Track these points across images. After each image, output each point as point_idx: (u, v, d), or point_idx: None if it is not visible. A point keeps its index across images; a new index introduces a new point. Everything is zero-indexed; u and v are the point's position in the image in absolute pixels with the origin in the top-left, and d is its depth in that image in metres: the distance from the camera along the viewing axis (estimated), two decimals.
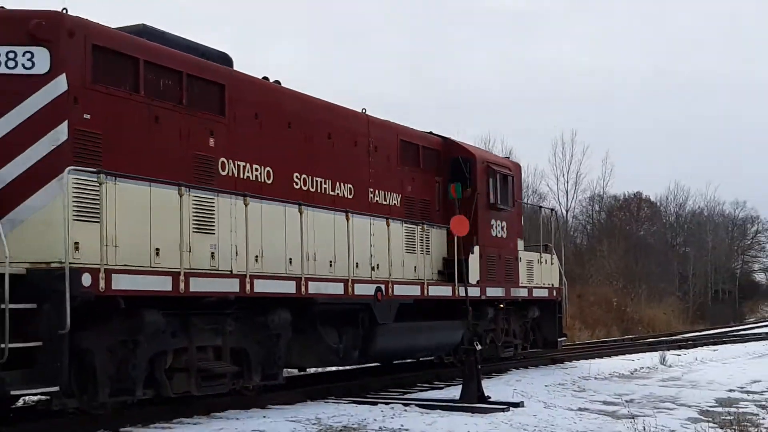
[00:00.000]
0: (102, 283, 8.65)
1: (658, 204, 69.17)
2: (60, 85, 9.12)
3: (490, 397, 12.38)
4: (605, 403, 13.14)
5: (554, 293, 19.14)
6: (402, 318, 13.45)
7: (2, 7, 9.46)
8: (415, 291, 14.12)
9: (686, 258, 66.20)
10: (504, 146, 63.64)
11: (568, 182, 61.33)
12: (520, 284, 17.90)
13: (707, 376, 17.54)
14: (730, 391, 15.11)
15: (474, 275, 15.95)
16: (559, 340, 19.22)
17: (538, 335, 18.87)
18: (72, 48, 9.25)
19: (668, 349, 22.66)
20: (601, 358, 20.88)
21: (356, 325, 13.01)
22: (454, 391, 12.88)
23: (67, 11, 9.32)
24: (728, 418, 10.05)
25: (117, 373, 9.27)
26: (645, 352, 22.87)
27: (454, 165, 16.36)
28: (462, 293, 14.59)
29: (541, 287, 18.77)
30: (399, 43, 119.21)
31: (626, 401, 13.12)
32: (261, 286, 10.77)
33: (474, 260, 16.09)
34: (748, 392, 15.00)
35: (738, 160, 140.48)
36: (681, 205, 70.89)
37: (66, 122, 9.07)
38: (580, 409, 12.33)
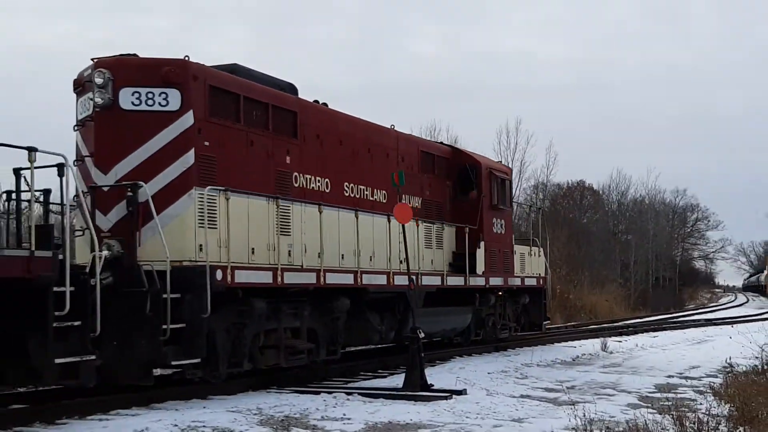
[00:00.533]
0: (229, 278, 11.21)
1: (601, 192, 70.04)
2: (188, 119, 11.69)
3: (433, 385, 12.38)
4: (547, 390, 13.23)
5: (541, 282, 21.91)
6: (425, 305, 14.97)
7: (136, 56, 11.70)
8: (437, 281, 16.67)
9: (628, 245, 67.18)
10: (449, 134, 63.76)
11: (512, 170, 61.67)
12: (515, 274, 20.44)
13: (647, 363, 17.79)
14: (670, 377, 15.32)
15: (480, 267, 18.42)
16: (544, 323, 22.16)
17: (526, 319, 21.38)
18: (196, 89, 11.86)
19: (610, 336, 22.93)
20: (544, 345, 21.04)
21: (394, 311, 15.49)
22: (398, 380, 12.86)
23: (189, 59, 11.76)
24: (667, 404, 10.15)
25: (232, 349, 11.70)
26: (587, 338, 23.11)
27: (462, 171, 18.91)
28: (472, 283, 17.75)
29: (531, 277, 21.45)
30: (343, 31, 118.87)
31: (568, 388, 13.21)
32: (331, 278, 13.36)
33: (480, 254, 18.48)
34: (686, 378, 15.23)
35: (678, 149, 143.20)
36: (623, 193, 71.86)
37: (193, 149, 11.68)
38: (522, 396, 12.40)
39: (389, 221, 14.97)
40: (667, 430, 8.60)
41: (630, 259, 65.47)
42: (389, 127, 16.74)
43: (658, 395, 12.50)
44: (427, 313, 15.50)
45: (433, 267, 17.06)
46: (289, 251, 12.95)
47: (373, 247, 15.04)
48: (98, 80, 11.35)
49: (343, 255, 14.22)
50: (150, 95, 11.59)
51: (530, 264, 21.87)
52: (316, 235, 13.34)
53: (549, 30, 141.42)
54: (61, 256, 9.14)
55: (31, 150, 8.93)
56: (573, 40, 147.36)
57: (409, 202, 16.42)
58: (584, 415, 8.70)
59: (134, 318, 10.24)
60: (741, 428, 8.72)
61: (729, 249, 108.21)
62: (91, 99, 11.51)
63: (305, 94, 14.53)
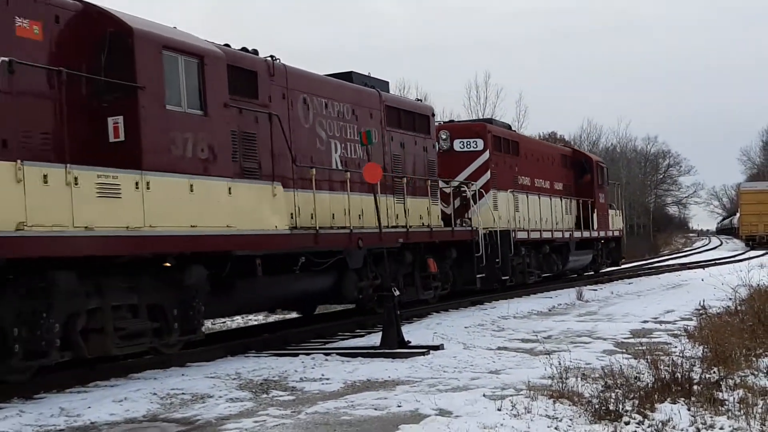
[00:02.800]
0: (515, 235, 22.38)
1: (573, 142, 70.24)
2: (487, 155, 22.07)
3: (410, 342, 12.44)
4: (523, 341, 13.33)
5: (619, 233, 32.80)
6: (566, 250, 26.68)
7: (462, 122, 25.47)
8: (577, 235, 27.38)
9: None
10: (419, 91, 63.62)
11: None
12: (609, 229, 30.92)
13: (623, 309, 17.96)
14: (645, 322, 15.50)
15: (594, 225, 28.88)
16: (621, 261, 34.12)
17: (610, 258, 31.85)
18: (489, 138, 22.38)
19: (585, 285, 23.11)
20: (520, 297, 21.14)
21: (561, 253, 26.32)
22: (375, 339, 12.90)
23: (492, 121, 25.10)
24: (642, 348, 10.27)
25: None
26: (563, 289, 23.24)
27: (579, 163, 29.42)
28: (592, 235, 28.74)
29: (616, 230, 32.05)
30: None
31: (544, 338, 13.33)
32: (545, 235, 24.81)
33: (594, 217, 28.95)
34: (661, 322, 15.41)
35: (647, 97, 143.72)
36: (594, 142, 72.24)
37: (489, 170, 22.02)
38: (499, 348, 12.49)
39: (550, 198, 25.98)
40: (642, 374, 8.68)
41: None
42: (555, 145, 30.43)
43: (633, 341, 12.65)
44: (576, 254, 27.09)
45: (568, 226, 27.15)
46: (519, 219, 23.12)
47: (545, 214, 25.33)
48: (443, 136, 21.75)
49: (535, 222, 24.42)
50: (469, 142, 22.00)
51: (614, 222, 31.87)
52: (533, 211, 24.22)
53: None
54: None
55: None
56: None
57: (555, 186, 26.98)
58: (560, 364, 8.77)
59: None
60: (715, 369, 8.83)
61: (702, 193, 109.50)
62: (440, 146, 21.01)
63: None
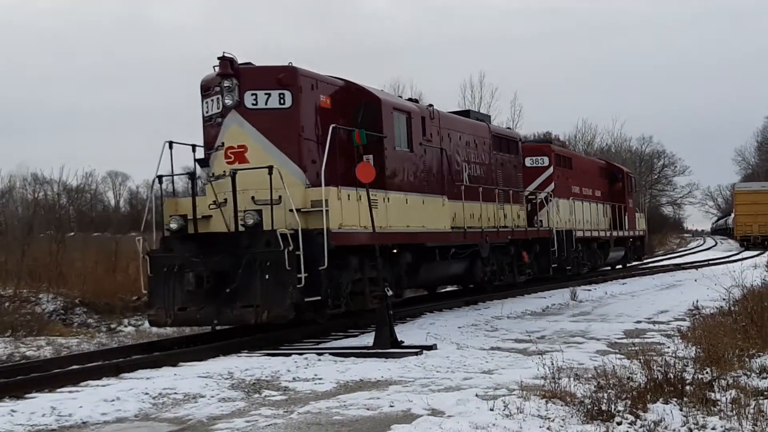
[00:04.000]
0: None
1: (568, 142, 70.24)
2: (551, 169, 26.40)
3: (403, 342, 12.42)
4: (517, 341, 13.32)
5: (643, 233, 38.59)
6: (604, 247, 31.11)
7: (530, 142, 29.39)
8: (614, 234, 32.06)
9: None
10: (413, 91, 63.48)
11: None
12: (636, 229, 35.94)
13: (617, 310, 17.99)
14: (638, 322, 15.51)
15: (625, 226, 33.71)
16: (643, 256, 39.40)
17: (636, 254, 36.66)
18: (554, 157, 26.86)
19: (579, 285, 23.10)
20: (514, 297, 21.12)
21: (603, 249, 30.73)
22: (368, 339, 12.87)
23: (552, 141, 31.81)
24: (635, 349, 10.26)
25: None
26: (557, 289, 23.22)
27: (612, 174, 34.06)
28: (623, 234, 33.40)
29: (640, 230, 37.00)
30: None
31: (537, 338, 13.32)
32: (587, 234, 28.40)
33: (625, 219, 33.82)
34: (654, 323, 15.42)
35: (643, 96, 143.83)
36: (589, 142, 72.06)
37: (553, 182, 26.30)
38: (492, 349, 12.48)
39: (595, 204, 30.71)
40: (635, 374, 8.67)
41: None
42: (594, 158, 37.07)
43: (626, 341, 12.65)
44: (612, 250, 31.81)
45: (607, 227, 31.64)
46: (574, 222, 27.50)
47: (591, 217, 29.89)
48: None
49: (583, 222, 28.65)
50: (537, 159, 26.52)
51: (639, 223, 37.00)
52: (580, 213, 28.53)
53: None
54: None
55: None
56: None
57: (596, 193, 31.24)
58: (553, 364, 8.76)
59: None
60: (707, 369, 8.81)
61: (696, 194, 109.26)
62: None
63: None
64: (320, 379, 10.11)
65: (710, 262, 40.55)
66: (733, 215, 70.40)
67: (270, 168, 13.07)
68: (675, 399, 7.76)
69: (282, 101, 14.04)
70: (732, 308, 13.53)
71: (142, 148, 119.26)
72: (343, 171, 14.09)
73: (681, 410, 7.50)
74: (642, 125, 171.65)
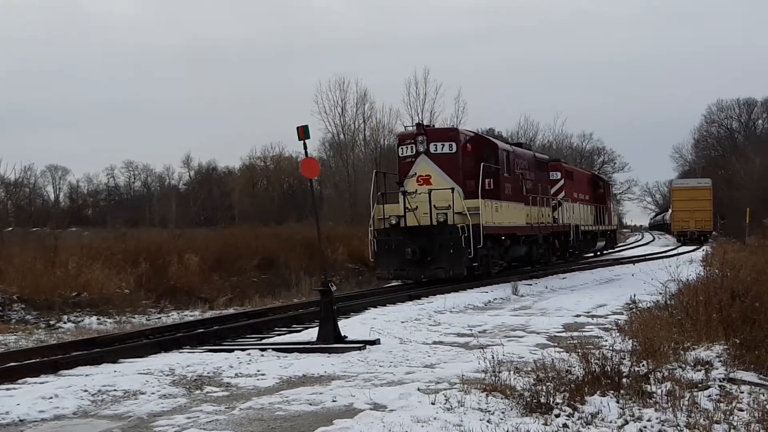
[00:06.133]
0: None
1: (510, 138, 70.89)
2: (563, 181, 33.96)
3: (346, 337, 12.44)
4: (459, 335, 13.44)
5: (615, 227, 50.35)
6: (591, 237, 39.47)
7: (547, 160, 33.67)
8: (600, 228, 41.54)
9: None
10: (359, 87, 63.65)
11: (422, 121, 62.00)
12: (612, 224, 45.71)
13: (556, 304, 18.23)
14: (577, 316, 15.76)
15: (606, 222, 42.65)
16: (616, 245, 52.37)
17: (610, 243, 46.72)
18: (562, 170, 34.76)
19: (520, 280, 23.36)
20: (457, 292, 21.24)
21: (594, 239, 39.86)
22: (312, 333, 12.87)
23: (559, 160, 38.66)
24: (574, 342, 10.42)
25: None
26: (499, 284, 23.43)
27: (596, 182, 43.39)
28: (604, 228, 42.69)
29: (614, 225, 47.88)
30: None
31: (479, 332, 13.46)
32: (577, 228, 35.32)
33: (606, 217, 42.85)
34: (593, 316, 15.68)
35: (583, 94, 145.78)
36: (531, 138, 72.88)
37: (564, 190, 33.95)
38: (434, 343, 12.57)
39: (586, 205, 38.42)
40: (574, 367, 8.81)
41: None
42: (584, 170, 45.71)
43: (565, 335, 12.85)
44: (599, 240, 41.08)
45: (594, 222, 39.87)
46: (576, 219, 35.05)
47: (584, 215, 37.58)
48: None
49: (578, 219, 35.47)
50: (553, 174, 32.54)
51: (613, 219, 47.60)
52: (576, 213, 35.35)
53: None
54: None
55: None
56: None
57: (586, 197, 38.91)
58: (493, 358, 8.86)
59: None
60: (644, 362, 8.99)
61: (635, 190, 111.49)
62: None
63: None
64: (263, 374, 10.09)
65: (648, 257, 41.33)
66: (670, 211, 71.76)
67: (452, 189, 22.35)
68: (612, 391, 7.91)
69: (450, 149, 23.20)
70: (668, 302, 13.80)
71: (83, 142, 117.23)
72: (487, 188, 23.33)
73: (618, 402, 7.65)
74: (583, 122, 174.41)
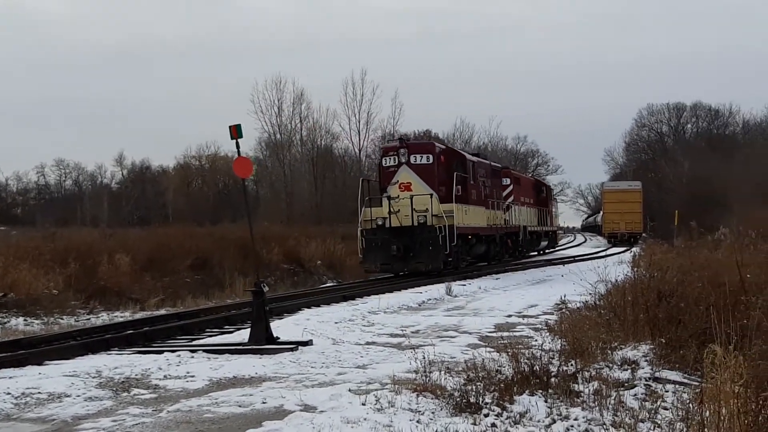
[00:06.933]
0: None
1: (447, 140, 71.36)
2: (512, 186, 36.99)
3: (279, 338, 12.35)
4: (392, 335, 13.45)
5: (557, 228, 56.63)
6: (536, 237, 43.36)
7: (499, 167, 37.83)
8: (544, 229, 45.53)
9: None
10: (295, 87, 63.39)
11: (359, 122, 62.18)
12: (554, 225, 50.84)
13: (489, 304, 18.37)
14: (509, 316, 15.90)
15: (549, 223, 47.10)
16: (557, 244, 57.17)
17: (552, 242, 50.64)
18: (511, 176, 38.69)
19: (454, 281, 23.51)
20: (392, 292, 21.31)
21: (539, 238, 43.77)
22: (244, 335, 12.75)
23: (509, 167, 44.20)
24: (504, 342, 10.52)
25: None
26: (433, 284, 23.55)
27: (540, 187, 46.69)
28: (547, 229, 46.92)
29: (555, 226, 52.38)
30: None
31: (412, 333, 13.49)
32: (525, 228, 38.83)
33: (549, 219, 47.04)
34: (524, 317, 15.85)
35: (517, 97, 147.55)
36: (467, 141, 73.56)
37: (513, 195, 36.72)
38: (367, 343, 12.56)
39: (531, 208, 41.68)
40: (504, 367, 8.89)
41: None
42: (529, 177, 50.70)
43: (496, 335, 12.95)
44: (543, 239, 45.25)
45: (538, 223, 43.26)
46: (506, 220, 34.39)
47: (530, 217, 40.86)
48: None
49: (523, 220, 38.14)
50: (504, 180, 36.09)
51: (555, 221, 52.90)
52: (521, 215, 38.13)
53: None
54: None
55: None
56: None
57: (530, 201, 41.96)
58: (425, 358, 8.88)
59: None
60: (572, 361, 9.11)
61: (568, 192, 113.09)
62: None
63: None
64: (192, 376, 9.96)
65: (579, 258, 41.96)
66: (601, 213, 72.96)
67: (431, 195, 25.77)
68: (540, 391, 7.99)
69: (428, 160, 26.64)
70: (597, 303, 14.01)
71: (11, 139, 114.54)
72: (458, 194, 26.77)
73: (546, 402, 7.73)
74: (517, 125, 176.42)
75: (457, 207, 26.18)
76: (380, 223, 25.88)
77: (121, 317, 19.29)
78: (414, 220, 25.57)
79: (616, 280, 14.85)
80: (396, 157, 26.72)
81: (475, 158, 30.70)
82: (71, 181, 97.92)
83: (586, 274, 17.05)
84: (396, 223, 25.67)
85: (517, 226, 37.11)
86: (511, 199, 36.28)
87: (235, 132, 12.51)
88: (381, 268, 26.60)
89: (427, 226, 25.39)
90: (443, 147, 29.23)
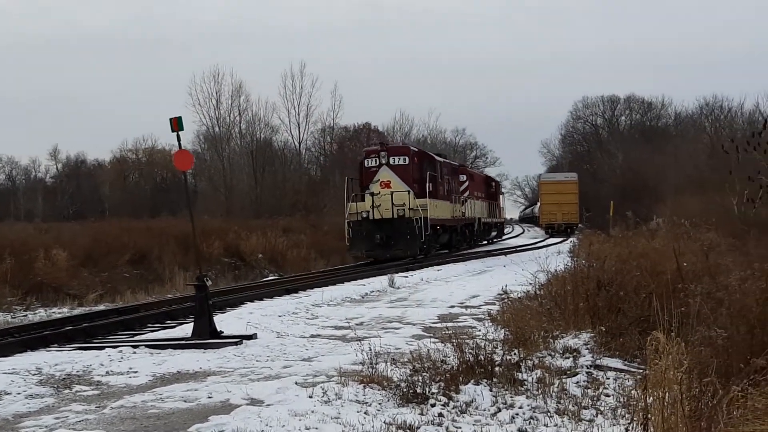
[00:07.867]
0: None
1: (386, 133, 71.58)
2: (468, 182, 40.84)
3: (223, 332, 12.28)
4: (336, 327, 13.47)
5: (503, 219, 61.74)
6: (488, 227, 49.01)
7: (453, 164, 42.06)
8: (494, 220, 51.71)
9: None
10: (234, 79, 62.79)
11: (299, 114, 61.98)
12: (502, 217, 58.80)
13: (431, 295, 18.48)
14: (451, 307, 16.02)
15: (497, 215, 53.19)
16: (504, 234, 64.07)
17: (500, 233, 57.63)
18: (467, 173, 43.10)
19: (397, 272, 23.61)
20: (335, 285, 21.32)
21: (489, 228, 49.44)
22: (187, 329, 12.65)
23: (465, 165, 53.25)
24: (448, 332, 10.60)
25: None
26: (376, 276, 23.63)
27: (489, 182, 51.85)
28: (496, 220, 53.52)
29: (502, 218, 58.90)
30: None
31: (356, 324, 13.52)
32: (479, 220, 44.48)
33: (497, 211, 53.14)
34: (467, 307, 15.99)
35: (456, 90, 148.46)
36: (406, 134, 73.80)
37: (469, 190, 40.89)
38: (312, 336, 12.56)
39: (483, 202, 45.86)
40: (449, 357, 8.97)
41: None
42: (481, 173, 55.44)
43: (440, 325, 13.03)
44: (493, 229, 51.33)
45: (489, 215, 47.79)
46: (464, 213, 38.84)
47: (483, 210, 45.30)
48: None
49: (476, 211, 42.47)
50: (461, 177, 39.69)
51: (503, 213, 57.34)
52: (474, 208, 42.22)
53: None
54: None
55: None
56: None
57: (483, 195, 46.45)
58: (370, 349, 8.91)
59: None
60: (515, 350, 9.23)
61: (506, 183, 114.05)
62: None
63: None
64: (135, 372, 9.85)
65: (518, 248, 42.46)
66: (539, 204, 73.82)
67: (409, 191, 29.69)
68: (485, 380, 8.09)
69: (404, 161, 30.81)
70: (538, 292, 14.21)
71: None
72: (430, 191, 30.54)
73: (491, 391, 7.84)
74: (456, 118, 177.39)
75: (429, 202, 30.28)
76: (365, 215, 29.65)
77: (59, 313, 18.94)
78: (394, 213, 29.55)
79: (556, 270, 15.10)
80: (377, 159, 30.92)
81: (440, 158, 35.34)
82: (4, 175, 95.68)
83: (527, 264, 17.33)
84: (378, 216, 29.60)
85: (473, 217, 41.55)
86: (467, 193, 40.21)
87: (176, 124, 12.37)
88: (366, 254, 30.55)
89: (406, 219, 29.41)
90: (416, 150, 33.35)
